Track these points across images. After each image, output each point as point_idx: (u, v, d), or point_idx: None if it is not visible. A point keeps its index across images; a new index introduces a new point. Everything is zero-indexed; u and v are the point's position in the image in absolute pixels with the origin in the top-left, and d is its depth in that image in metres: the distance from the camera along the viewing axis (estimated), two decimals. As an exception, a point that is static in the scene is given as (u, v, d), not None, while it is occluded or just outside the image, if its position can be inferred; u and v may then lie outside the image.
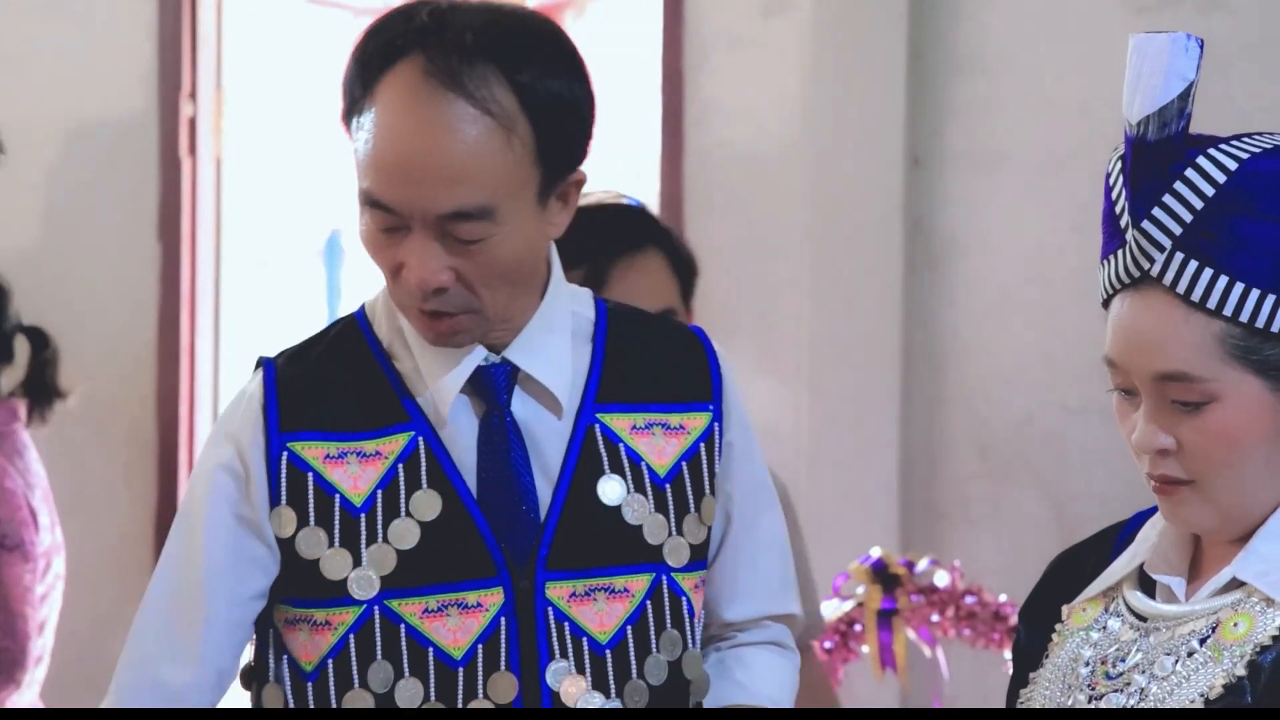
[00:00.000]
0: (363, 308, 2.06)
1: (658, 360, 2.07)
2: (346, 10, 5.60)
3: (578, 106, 1.92)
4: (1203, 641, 1.77)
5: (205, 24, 4.48)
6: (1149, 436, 1.79)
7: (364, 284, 5.79)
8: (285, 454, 1.96)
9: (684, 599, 2.04)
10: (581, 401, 2.02)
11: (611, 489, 2.00)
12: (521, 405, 2.00)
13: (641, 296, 2.64)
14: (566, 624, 1.96)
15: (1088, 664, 1.86)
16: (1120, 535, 1.97)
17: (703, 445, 2.06)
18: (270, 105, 4.72)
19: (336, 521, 1.95)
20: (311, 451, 1.96)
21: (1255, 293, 1.72)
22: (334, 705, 1.95)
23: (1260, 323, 1.73)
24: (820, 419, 3.69)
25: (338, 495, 1.95)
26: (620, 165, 5.24)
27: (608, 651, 1.98)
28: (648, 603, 2.01)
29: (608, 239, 2.73)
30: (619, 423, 2.03)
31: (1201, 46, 1.75)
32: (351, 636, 1.94)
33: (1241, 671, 1.73)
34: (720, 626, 2.13)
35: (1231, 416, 1.75)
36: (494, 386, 1.99)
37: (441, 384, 1.97)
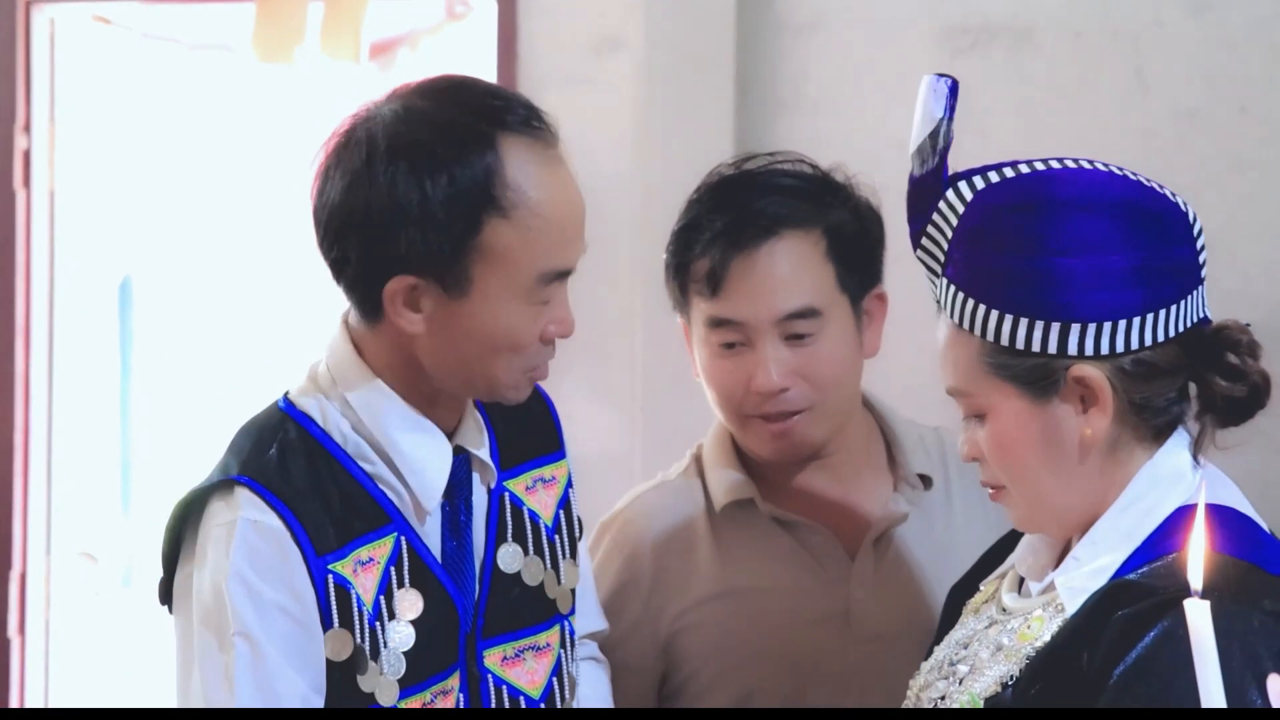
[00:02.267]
0: (297, 411, 1.95)
1: (519, 415, 2.08)
2: (180, 45, 5.60)
3: None
4: (1011, 639, 1.82)
5: (39, 57, 4.46)
6: (961, 446, 1.89)
7: (154, 330, 5.68)
8: (330, 576, 1.86)
9: (573, 638, 2.11)
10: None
11: (508, 557, 2.01)
12: (474, 490, 2.00)
13: (767, 299, 2.27)
14: (504, 687, 1.99)
15: (951, 645, 1.92)
16: None
17: (570, 491, 2.11)
18: (104, 139, 4.71)
19: (367, 635, 1.88)
20: (347, 569, 1.87)
21: (995, 314, 1.80)
22: None
23: (1005, 341, 1.80)
24: (653, 447, 3.75)
25: (365, 609, 1.88)
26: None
27: (541, 705, 2.02)
28: (562, 651, 2.05)
29: (722, 231, 2.28)
30: (518, 486, 2.05)
31: (954, 88, 1.82)
32: None
33: (1016, 672, 1.78)
34: None
35: (1001, 428, 1.83)
36: (461, 479, 1.97)
37: (427, 480, 1.93)
